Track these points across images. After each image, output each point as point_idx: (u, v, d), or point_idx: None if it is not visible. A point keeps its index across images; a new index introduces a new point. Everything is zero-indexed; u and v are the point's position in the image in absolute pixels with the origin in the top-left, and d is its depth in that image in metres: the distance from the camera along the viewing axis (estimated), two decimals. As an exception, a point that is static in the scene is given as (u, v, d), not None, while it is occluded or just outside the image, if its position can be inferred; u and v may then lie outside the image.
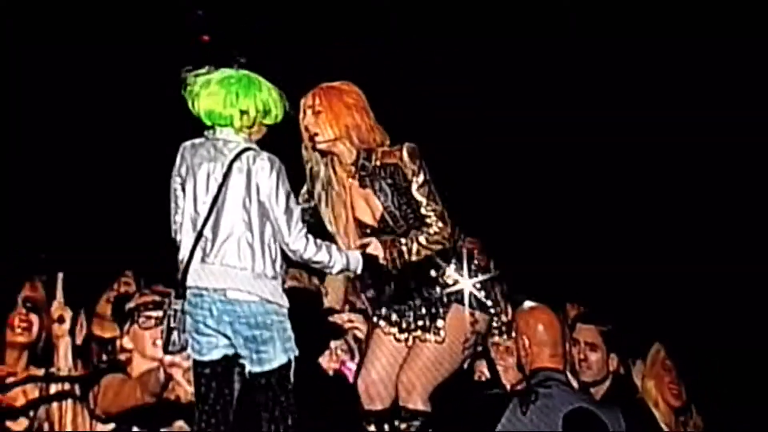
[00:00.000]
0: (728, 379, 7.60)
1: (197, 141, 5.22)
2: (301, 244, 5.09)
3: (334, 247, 5.22)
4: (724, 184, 9.07)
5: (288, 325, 5.11)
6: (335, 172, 5.42)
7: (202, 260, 5.06)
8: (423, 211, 5.29)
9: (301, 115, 5.34)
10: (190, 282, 5.05)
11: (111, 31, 8.72)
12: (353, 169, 5.36)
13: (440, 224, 5.28)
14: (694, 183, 9.12)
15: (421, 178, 5.27)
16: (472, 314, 5.35)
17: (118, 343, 5.62)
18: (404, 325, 5.41)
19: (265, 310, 5.07)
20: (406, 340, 5.41)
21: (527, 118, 8.75)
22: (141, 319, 5.58)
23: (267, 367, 5.09)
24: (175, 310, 5.10)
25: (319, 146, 5.37)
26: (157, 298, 5.66)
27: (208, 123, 5.19)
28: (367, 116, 5.33)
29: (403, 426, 5.31)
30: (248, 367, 5.09)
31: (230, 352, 5.11)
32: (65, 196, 8.32)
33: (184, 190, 5.16)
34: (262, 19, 8.64)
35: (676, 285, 8.74)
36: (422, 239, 5.31)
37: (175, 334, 5.10)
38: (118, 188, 8.56)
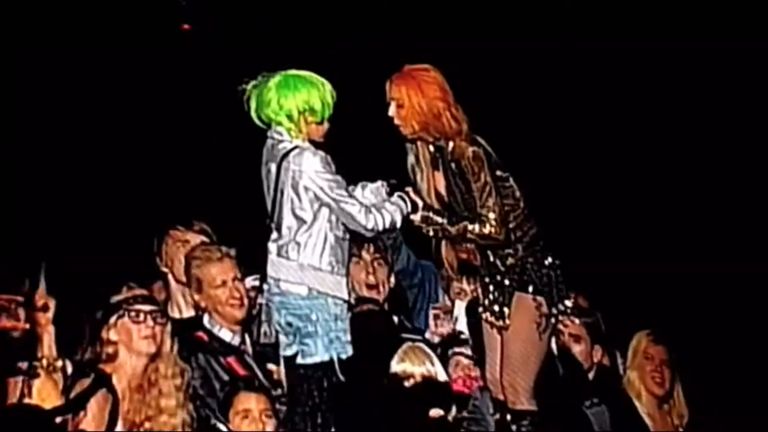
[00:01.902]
0: (713, 369, 7.62)
1: (268, 139, 5.58)
2: (371, 221, 5.42)
3: (386, 204, 5.52)
4: (708, 179, 9.10)
5: (339, 325, 5.44)
6: (419, 151, 5.67)
7: (270, 252, 5.48)
8: (479, 209, 5.47)
9: (388, 101, 5.57)
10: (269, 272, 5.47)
11: (94, 25, 8.69)
12: (432, 148, 5.60)
13: (495, 227, 5.45)
14: (677, 179, 9.14)
15: (481, 180, 5.46)
16: (534, 299, 5.50)
17: (103, 335, 5.53)
18: (492, 308, 5.62)
19: (310, 304, 5.39)
20: (494, 325, 5.62)
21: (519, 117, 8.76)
22: (132, 312, 5.53)
23: (308, 361, 5.39)
24: (260, 304, 5.57)
25: (404, 135, 5.62)
26: (146, 292, 5.65)
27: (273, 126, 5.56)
28: (446, 106, 5.51)
29: (514, 427, 5.52)
30: (298, 359, 5.41)
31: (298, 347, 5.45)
32: (59, 196, 8.29)
33: None
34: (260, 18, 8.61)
35: (661, 277, 8.76)
36: (471, 229, 5.50)
37: (265, 326, 5.53)
38: (109, 187, 8.55)
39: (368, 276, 6.36)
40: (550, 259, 5.57)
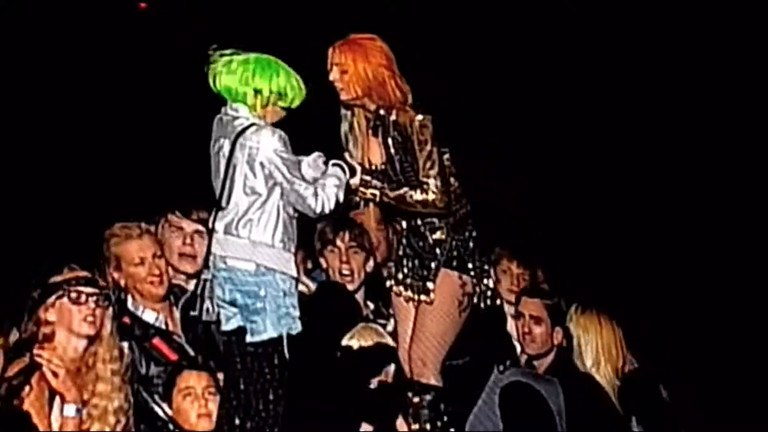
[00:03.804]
0: (674, 348, 7.68)
1: (220, 115, 5.51)
2: (320, 204, 5.35)
3: (328, 182, 5.41)
4: (662, 159, 9.11)
5: (288, 300, 5.36)
6: (355, 115, 5.65)
7: (215, 230, 5.41)
8: (421, 177, 5.45)
9: (329, 66, 5.56)
10: (213, 250, 5.42)
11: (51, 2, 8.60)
12: (371, 116, 5.58)
13: (437, 194, 5.44)
14: (632, 159, 9.16)
15: (426, 148, 5.45)
16: (460, 277, 5.50)
17: (40, 314, 5.41)
18: (408, 282, 5.61)
19: (258, 281, 5.32)
20: (411, 299, 5.62)
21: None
22: (73, 294, 5.41)
23: (257, 338, 5.31)
24: (205, 280, 5.43)
25: (344, 100, 5.62)
26: (88, 274, 5.52)
27: (228, 99, 5.47)
28: (391, 75, 5.52)
29: (416, 399, 5.50)
30: (247, 337, 5.34)
31: (243, 323, 5.40)
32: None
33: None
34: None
35: (623, 256, 8.77)
36: (412, 195, 5.48)
37: (208, 302, 5.43)
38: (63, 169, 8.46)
39: (342, 264, 6.23)
40: (476, 238, 5.57)
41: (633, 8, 9.11)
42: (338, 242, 6.25)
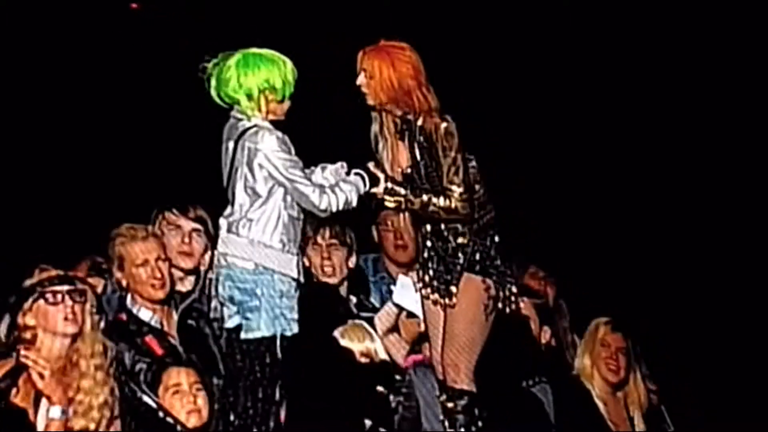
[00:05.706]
0: (672, 354, 7.66)
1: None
2: (325, 201, 5.43)
3: (341, 184, 5.52)
4: (666, 167, 9.08)
5: (285, 302, 5.44)
6: (383, 121, 5.68)
7: (219, 228, 5.60)
8: (445, 184, 5.49)
9: (358, 69, 5.59)
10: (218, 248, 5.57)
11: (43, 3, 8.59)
12: (398, 120, 5.61)
13: (460, 202, 5.47)
14: (637, 166, 9.17)
15: (450, 155, 5.48)
16: (483, 281, 5.53)
17: (19, 320, 5.41)
18: (435, 285, 5.64)
19: (256, 279, 5.43)
20: (437, 302, 5.65)
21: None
22: (48, 295, 5.41)
23: (249, 336, 5.43)
24: (210, 279, 5.65)
25: (369, 104, 5.66)
26: (60, 272, 5.52)
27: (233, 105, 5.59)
28: (417, 85, 5.54)
29: (450, 405, 5.54)
30: (241, 334, 5.45)
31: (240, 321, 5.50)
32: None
33: None
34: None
35: (619, 260, 8.75)
36: (436, 202, 5.52)
37: (215, 300, 5.61)
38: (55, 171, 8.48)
39: (323, 260, 6.32)
40: (499, 244, 5.58)
41: (633, 16, 9.10)
42: (319, 239, 6.33)
